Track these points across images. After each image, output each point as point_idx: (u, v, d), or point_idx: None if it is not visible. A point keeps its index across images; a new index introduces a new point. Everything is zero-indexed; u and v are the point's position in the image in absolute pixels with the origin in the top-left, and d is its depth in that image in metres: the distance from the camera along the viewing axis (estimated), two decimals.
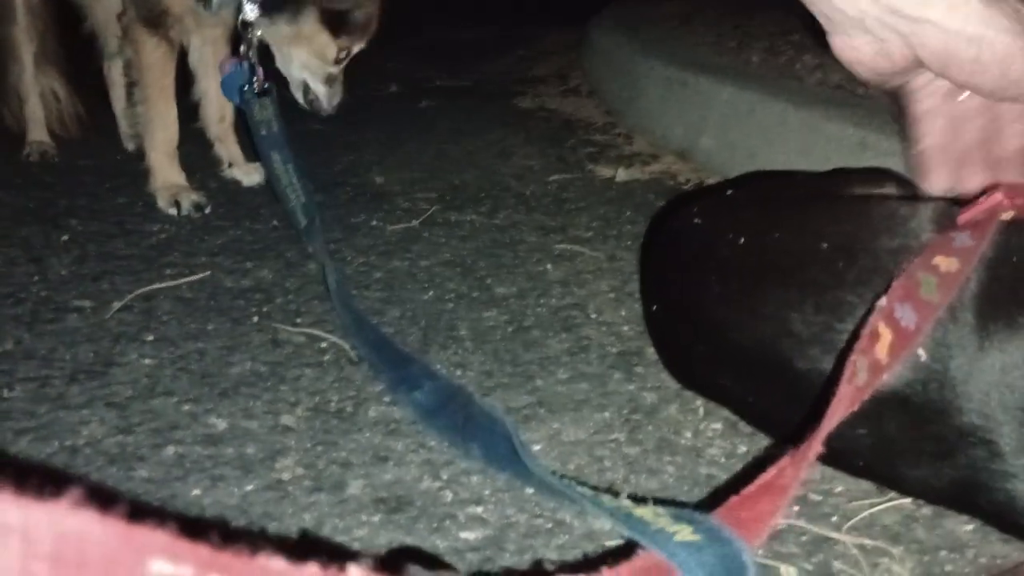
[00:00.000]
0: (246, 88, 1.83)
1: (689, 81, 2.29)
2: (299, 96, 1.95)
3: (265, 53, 1.89)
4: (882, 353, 0.85)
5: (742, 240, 1.13)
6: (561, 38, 3.77)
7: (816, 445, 0.78)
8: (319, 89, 1.93)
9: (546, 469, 0.96)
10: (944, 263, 0.91)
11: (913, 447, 0.96)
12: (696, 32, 2.82)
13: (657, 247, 1.42)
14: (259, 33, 1.84)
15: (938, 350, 0.93)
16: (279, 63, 1.93)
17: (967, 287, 0.93)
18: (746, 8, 2.94)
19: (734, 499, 0.72)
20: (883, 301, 0.89)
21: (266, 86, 1.85)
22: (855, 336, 0.87)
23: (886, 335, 0.86)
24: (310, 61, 1.89)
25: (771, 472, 0.75)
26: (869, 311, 0.89)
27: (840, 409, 0.81)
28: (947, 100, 1.10)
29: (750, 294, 1.09)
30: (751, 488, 0.73)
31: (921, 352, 0.93)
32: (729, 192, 1.29)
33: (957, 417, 0.92)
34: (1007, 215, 0.98)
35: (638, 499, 0.91)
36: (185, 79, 2.02)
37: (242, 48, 1.84)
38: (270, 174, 1.80)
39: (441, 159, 2.32)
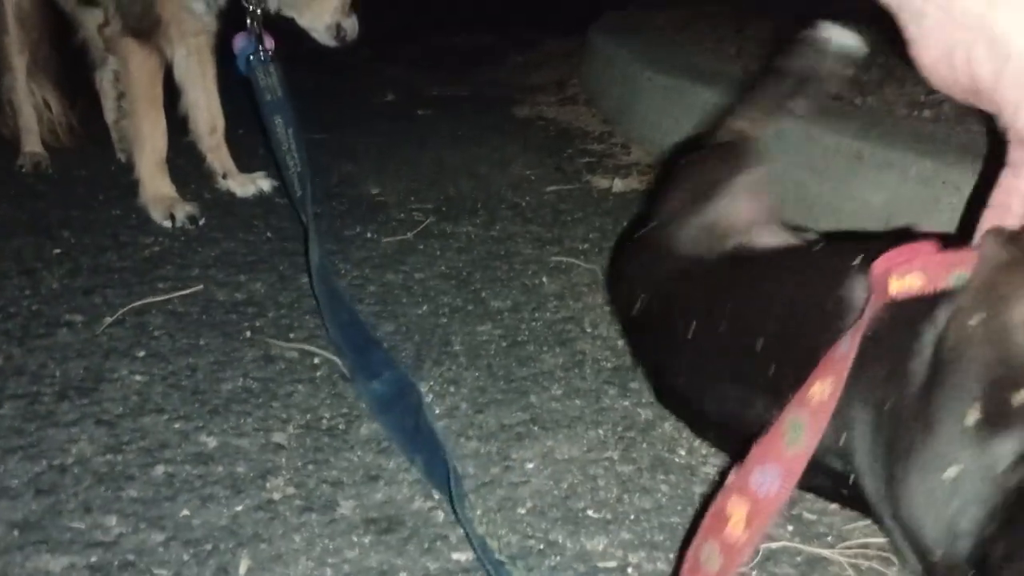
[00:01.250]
0: (251, 56, 1.88)
1: (687, 89, 2.28)
2: (328, 39, 2.04)
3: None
4: (737, 530, 0.79)
5: (695, 324, 1.10)
6: (559, 46, 3.75)
7: None
8: (348, 22, 2.03)
9: (470, 520, 0.96)
10: (819, 391, 0.83)
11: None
12: (695, 40, 2.81)
13: (618, 309, 1.41)
14: (274, 6, 1.92)
15: (852, 489, 0.91)
16: (305, 22, 2.01)
17: (854, 418, 0.89)
18: (745, 15, 2.93)
19: None
20: (732, 476, 0.82)
21: (271, 54, 1.89)
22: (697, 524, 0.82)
23: (739, 510, 0.79)
24: (337, 3, 2.01)
25: None
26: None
27: None
28: None
29: (706, 381, 1.09)
30: None
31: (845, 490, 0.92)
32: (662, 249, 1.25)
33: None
34: (902, 286, 0.87)
35: None
36: (170, 94, 2.01)
37: (248, 22, 1.89)
38: (272, 140, 1.84)
39: (437, 169, 2.31)
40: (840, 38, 1.27)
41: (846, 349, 0.84)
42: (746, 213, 1.19)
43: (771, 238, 1.18)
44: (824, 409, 0.82)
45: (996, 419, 0.78)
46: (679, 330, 1.12)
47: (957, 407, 0.80)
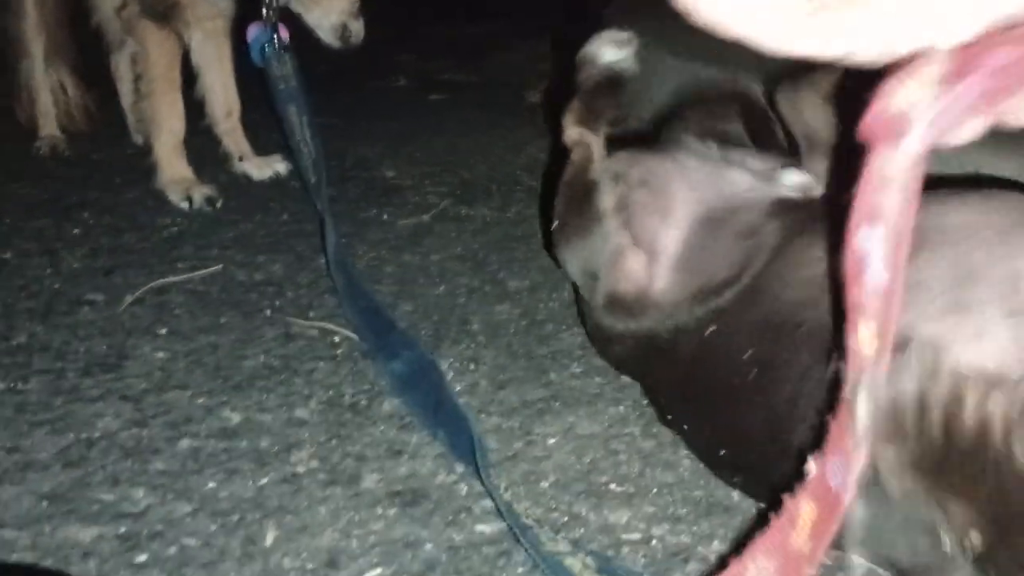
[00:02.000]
0: (266, 46, 1.88)
1: (701, 72, 2.28)
2: (333, 39, 2.06)
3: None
4: (800, 540, 0.63)
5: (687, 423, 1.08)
6: (570, 31, 3.75)
7: None
8: (354, 25, 2.05)
9: (496, 487, 0.97)
10: (865, 339, 0.59)
11: None
12: None
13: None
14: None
15: None
16: (312, 19, 2.03)
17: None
18: None
19: None
20: (811, 470, 0.65)
21: (286, 44, 1.89)
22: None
23: (808, 513, 0.63)
24: (345, 5, 2.02)
25: None
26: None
27: None
28: None
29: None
30: None
31: None
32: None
33: None
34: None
35: (577, 544, 0.92)
36: (187, 77, 2.02)
37: (264, 12, 1.89)
38: (286, 128, 1.85)
39: (451, 153, 2.32)
40: (605, 54, 1.20)
41: (879, 274, 0.57)
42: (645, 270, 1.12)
43: None
44: (873, 367, 0.60)
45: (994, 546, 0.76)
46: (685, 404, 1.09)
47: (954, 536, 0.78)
